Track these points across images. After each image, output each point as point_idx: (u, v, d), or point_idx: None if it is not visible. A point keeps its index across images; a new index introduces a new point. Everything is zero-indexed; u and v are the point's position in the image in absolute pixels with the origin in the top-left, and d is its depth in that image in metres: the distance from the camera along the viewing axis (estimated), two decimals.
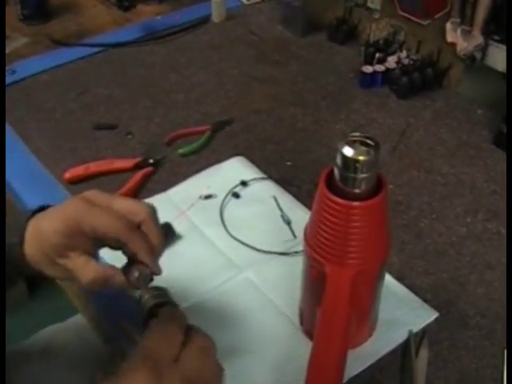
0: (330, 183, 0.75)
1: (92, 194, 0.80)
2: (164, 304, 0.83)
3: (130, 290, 0.83)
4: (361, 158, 0.71)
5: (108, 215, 0.77)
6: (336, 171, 0.74)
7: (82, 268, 0.77)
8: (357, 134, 0.73)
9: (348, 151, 0.71)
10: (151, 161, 1.20)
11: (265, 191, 1.15)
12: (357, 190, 0.73)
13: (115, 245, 0.79)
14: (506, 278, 1.00)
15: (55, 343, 1.19)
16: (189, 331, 0.72)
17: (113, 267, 0.80)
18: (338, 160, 0.72)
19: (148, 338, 0.71)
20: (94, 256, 0.80)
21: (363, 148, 0.71)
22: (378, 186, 0.75)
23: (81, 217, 0.76)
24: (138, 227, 0.78)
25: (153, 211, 0.80)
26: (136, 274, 0.78)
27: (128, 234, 0.76)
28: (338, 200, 0.73)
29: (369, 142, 0.72)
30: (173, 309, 0.81)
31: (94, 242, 0.78)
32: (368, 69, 1.44)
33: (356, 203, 0.73)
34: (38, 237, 0.79)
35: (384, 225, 0.79)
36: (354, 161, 0.71)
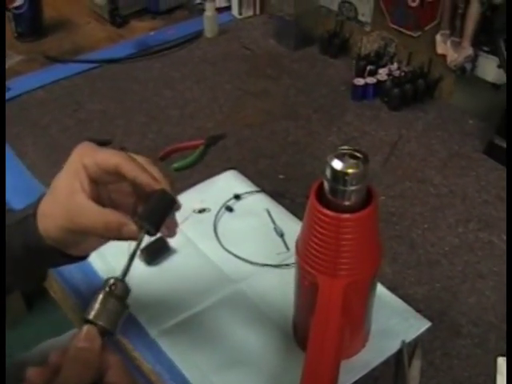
0: (321, 196, 0.76)
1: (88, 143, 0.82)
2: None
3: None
4: (350, 170, 0.72)
5: (105, 149, 0.79)
6: (326, 184, 0.74)
7: (84, 209, 0.77)
8: (345, 146, 0.74)
9: (337, 164, 0.72)
10: None
11: (258, 204, 1.16)
12: (347, 203, 0.74)
13: (116, 180, 0.79)
14: (506, 285, 1.01)
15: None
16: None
17: (122, 215, 0.77)
18: (328, 173, 0.73)
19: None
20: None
21: (352, 161, 0.72)
22: (368, 198, 0.76)
23: (83, 154, 0.78)
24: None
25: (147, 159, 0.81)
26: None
27: (128, 162, 0.77)
28: (328, 212, 0.74)
29: (358, 154, 0.73)
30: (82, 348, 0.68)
31: (97, 185, 0.79)
32: (359, 81, 1.45)
33: (346, 215, 0.74)
34: (51, 192, 0.79)
35: (375, 236, 0.80)
36: (343, 174, 0.72)
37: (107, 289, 0.70)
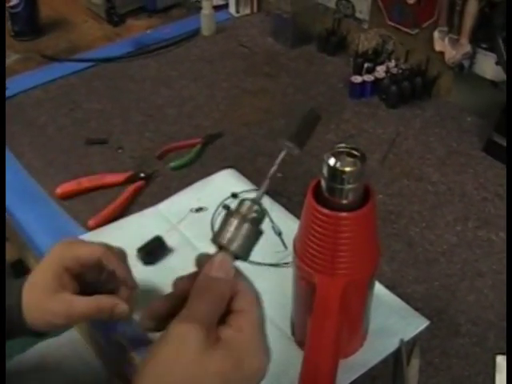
0: (318, 194, 0.75)
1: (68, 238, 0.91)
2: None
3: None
4: (347, 169, 0.71)
5: (86, 244, 0.88)
6: (323, 182, 0.74)
7: (74, 302, 0.84)
8: (342, 145, 0.73)
9: (334, 162, 0.72)
10: (142, 175, 1.21)
11: None
12: (344, 201, 0.74)
13: (97, 273, 0.87)
14: (506, 284, 1.01)
15: (50, 358, 1.19)
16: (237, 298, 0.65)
17: (112, 297, 0.86)
18: (325, 171, 0.73)
19: (193, 298, 0.64)
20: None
21: (349, 159, 0.72)
22: (365, 196, 0.75)
23: (63, 255, 0.86)
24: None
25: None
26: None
27: (108, 255, 0.86)
28: (326, 211, 0.74)
29: (355, 152, 0.73)
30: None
31: (80, 282, 0.87)
32: (357, 79, 1.45)
33: (343, 214, 0.74)
34: (32, 287, 0.85)
35: (373, 235, 0.79)
36: (340, 172, 0.71)
37: (243, 213, 0.66)
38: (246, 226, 0.65)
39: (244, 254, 0.66)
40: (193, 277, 0.65)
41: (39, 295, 0.84)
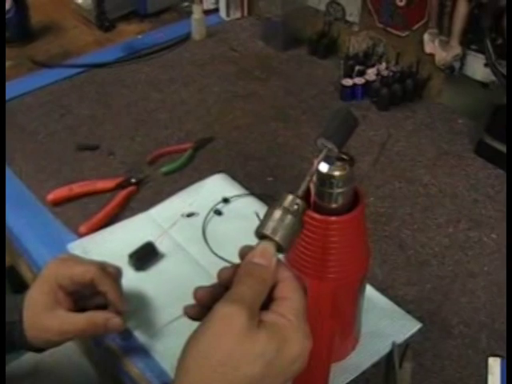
0: (308, 199, 0.75)
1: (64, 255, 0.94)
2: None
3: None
4: (336, 173, 0.71)
5: (80, 263, 0.90)
6: (312, 187, 0.74)
7: (68, 319, 0.86)
8: None
9: (323, 167, 0.72)
10: (134, 180, 1.21)
11: (247, 207, 1.15)
12: (334, 205, 0.74)
13: (90, 290, 0.88)
14: (506, 285, 1.01)
15: (43, 364, 1.19)
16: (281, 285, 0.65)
17: (104, 312, 0.88)
18: (314, 176, 0.73)
19: (237, 282, 0.64)
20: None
21: (338, 163, 0.72)
22: (355, 200, 0.75)
23: (57, 272, 0.87)
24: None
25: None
26: None
27: (101, 277, 0.87)
28: (315, 215, 0.74)
29: (344, 157, 0.73)
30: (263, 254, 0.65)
31: (74, 296, 0.89)
32: (348, 82, 1.45)
33: (333, 218, 0.74)
34: (30, 304, 0.87)
35: (363, 238, 0.80)
36: (329, 176, 0.72)
37: (285, 205, 0.66)
38: (289, 218, 0.66)
39: (286, 245, 0.65)
40: (236, 267, 0.66)
41: (36, 311, 0.86)
